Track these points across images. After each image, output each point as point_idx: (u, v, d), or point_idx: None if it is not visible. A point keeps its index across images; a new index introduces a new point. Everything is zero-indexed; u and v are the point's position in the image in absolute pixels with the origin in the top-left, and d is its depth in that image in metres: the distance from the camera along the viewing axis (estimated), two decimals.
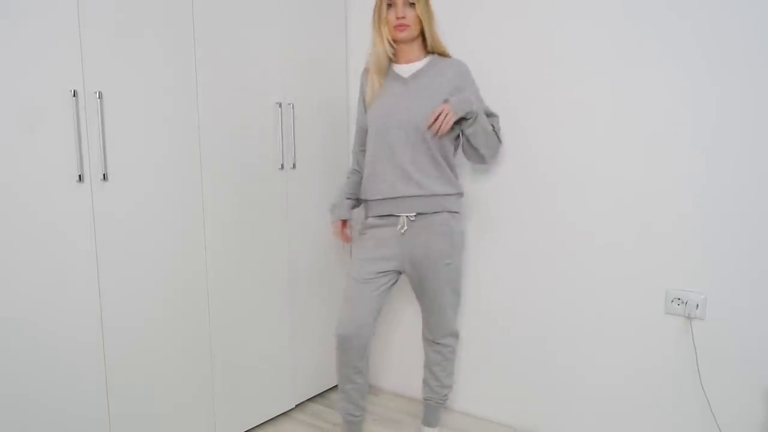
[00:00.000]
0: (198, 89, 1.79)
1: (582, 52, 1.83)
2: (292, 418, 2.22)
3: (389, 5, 1.77)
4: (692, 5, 1.63)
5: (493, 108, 1.97)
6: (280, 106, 2.05)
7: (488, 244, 2.11)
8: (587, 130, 1.85)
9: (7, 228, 1.41)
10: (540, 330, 2.03)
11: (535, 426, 2.08)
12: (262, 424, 2.15)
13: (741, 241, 1.63)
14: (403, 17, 1.75)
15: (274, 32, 2.01)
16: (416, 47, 1.84)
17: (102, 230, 1.59)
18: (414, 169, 1.78)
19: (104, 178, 1.58)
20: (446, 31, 2.05)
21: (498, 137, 1.85)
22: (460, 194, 1.86)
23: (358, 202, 2.01)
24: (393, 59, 1.84)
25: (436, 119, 1.71)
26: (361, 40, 2.30)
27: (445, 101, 1.73)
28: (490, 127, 1.81)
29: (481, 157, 1.85)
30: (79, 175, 1.52)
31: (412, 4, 1.76)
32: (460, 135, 1.84)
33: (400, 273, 1.87)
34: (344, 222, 2.01)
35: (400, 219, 1.81)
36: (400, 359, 2.41)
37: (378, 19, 1.80)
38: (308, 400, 2.35)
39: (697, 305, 1.70)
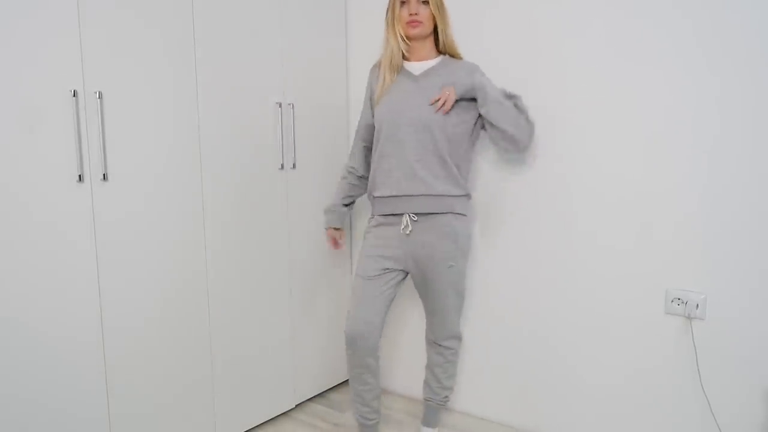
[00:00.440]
0: (198, 89, 1.79)
1: (583, 52, 1.83)
2: (292, 418, 2.22)
3: (402, 2, 1.76)
4: (694, 4, 1.63)
5: None
6: (280, 106, 2.05)
7: (489, 244, 2.11)
8: (587, 131, 1.85)
9: (7, 228, 1.41)
10: (541, 330, 2.03)
11: (536, 426, 2.08)
12: (262, 424, 2.15)
13: (741, 241, 1.63)
14: (416, 14, 1.75)
15: (274, 32, 2.01)
16: (428, 46, 1.83)
17: (102, 230, 1.59)
18: (420, 167, 1.76)
19: (104, 178, 1.58)
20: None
21: (524, 114, 1.79)
22: (467, 196, 1.85)
23: (352, 204, 2.01)
24: (406, 56, 1.83)
25: (438, 99, 1.72)
26: (361, 40, 2.30)
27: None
28: (508, 102, 1.77)
29: (511, 138, 1.77)
30: (79, 175, 1.52)
31: (426, 2, 1.75)
32: (477, 123, 1.82)
33: (406, 272, 1.86)
34: (336, 229, 2.02)
35: (404, 218, 1.80)
36: (406, 360, 2.41)
37: (392, 16, 1.80)
38: (308, 400, 2.35)
39: (697, 305, 1.70)
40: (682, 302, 1.73)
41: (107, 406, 1.64)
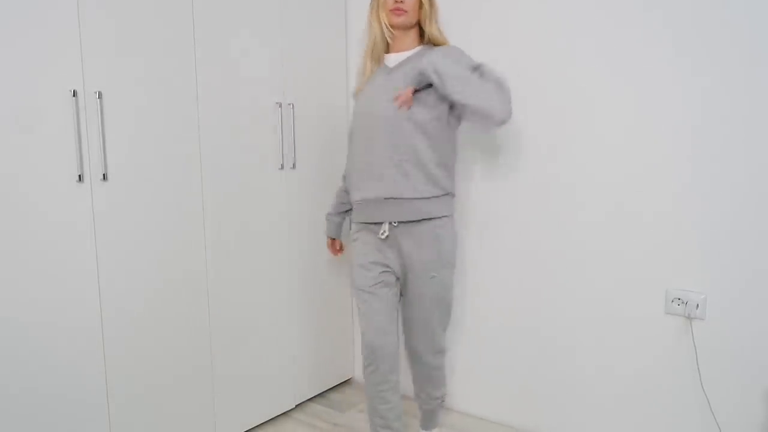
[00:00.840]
0: (198, 89, 1.79)
1: (582, 54, 1.83)
2: (292, 418, 2.22)
3: None
4: (690, 7, 1.63)
5: None
6: (280, 106, 2.05)
7: (487, 244, 2.11)
8: (587, 131, 1.85)
9: (7, 228, 1.41)
10: (541, 330, 2.03)
11: (536, 426, 2.08)
12: (262, 424, 2.15)
13: (741, 241, 1.63)
14: (401, 2, 1.66)
15: (274, 32, 2.01)
16: (411, 36, 1.72)
17: (102, 230, 1.59)
18: (392, 168, 1.65)
19: (104, 178, 1.58)
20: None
21: (491, 83, 1.57)
22: (449, 195, 1.72)
23: (350, 211, 1.95)
24: (390, 44, 1.74)
25: (397, 98, 1.62)
26: (362, 40, 2.30)
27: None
28: (471, 73, 1.57)
29: (482, 113, 1.55)
30: (79, 175, 1.52)
31: None
32: (452, 110, 1.67)
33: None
34: (333, 239, 2.02)
35: (383, 225, 1.70)
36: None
37: (376, 2, 1.72)
38: (308, 400, 2.35)
39: (697, 305, 1.70)
40: (682, 302, 1.73)
41: (107, 406, 1.64)
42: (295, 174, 2.14)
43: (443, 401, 1.95)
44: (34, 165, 1.44)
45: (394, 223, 1.69)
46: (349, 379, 2.56)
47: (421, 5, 1.70)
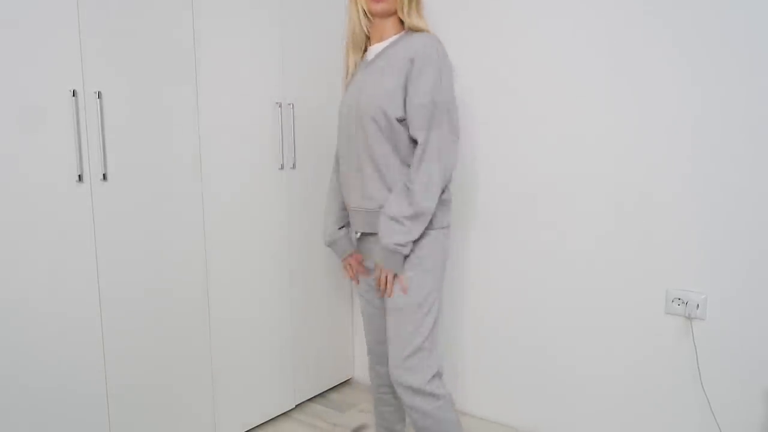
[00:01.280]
0: (198, 89, 1.79)
1: (577, 52, 1.83)
2: (292, 418, 2.22)
3: None
4: (689, 6, 1.63)
5: (483, 111, 1.97)
6: (280, 106, 2.05)
7: (485, 244, 2.10)
8: (587, 131, 1.85)
9: (7, 228, 1.40)
10: (540, 330, 2.02)
11: (536, 426, 2.08)
12: (262, 424, 2.15)
13: (741, 241, 1.63)
14: None
15: (273, 32, 2.01)
16: (390, 24, 1.56)
17: (102, 230, 1.59)
18: (370, 173, 1.52)
19: (104, 178, 1.57)
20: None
21: (427, 191, 1.44)
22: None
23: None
24: (368, 34, 1.59)
25: (383, 288, 1.49)
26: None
27: (376, 262, 1.48)
28: (415, 226, 1.44)
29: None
30: (79, 175, 1.52)
31: None
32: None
33: None
34: (351, 255, 1.71)
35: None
36: None
37: None
38: (308, 400, 2.35)
39: (698, 305, 1.70)
40: (683, 302, 1.73)
41: (107, 406, 1.64)
42: (295, 174, 2.14)
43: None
44: (34, 165, 1.44)
45: (357, 235, 1.69)
46: (349, 379, 2.56)
47: None
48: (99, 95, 1.55)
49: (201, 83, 1.80)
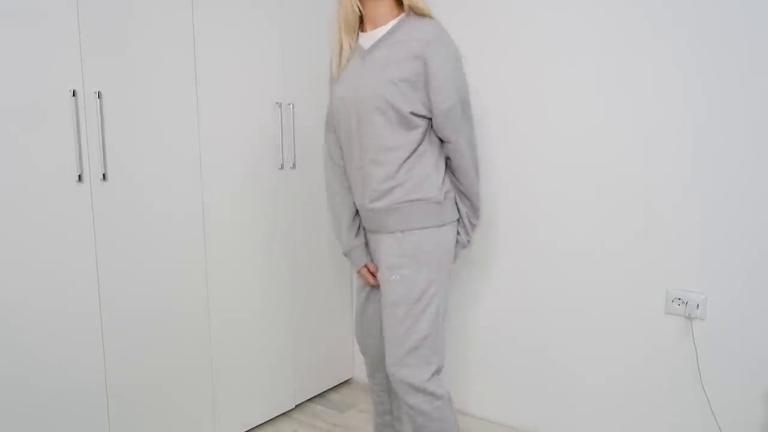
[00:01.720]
0: (198, 89, 1.79)
1: (577, 50, 1.83)
2: (292, 418, 2.21)
3: None
4: (687, 3, 1.63)
5: (481, 110, 1.97)
6: (280, 106, 2.05)
7: (484, 244, 2.10)
8: (587, 131, 1.85)
9: (7, 228, 1.40)
10: (540, 330, 2.02)
11: (536, 426, 2.08)
12: (262, 424, 2.15)
13: (741, 241, 1.63)
14: None
15: (273, 32, 2.01)
16: (385, 6, 1.44)
17: (102, 230, 1.59)
18: (370, 168, 1.46)
19: (104, 178, 1.58)
20: None
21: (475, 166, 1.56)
22: (435, 202, 1.48)
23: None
24: (362, 17, 1.48)
25: None
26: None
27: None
28: (476, 208, 1.59)
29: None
30: (79, 175, 1.52)
31: None
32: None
33: None
34: (365, 265, 1.63)
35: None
36: None
37: None
38: (308, 400, 2.35)
39: (698, 305, 1.70)
40: (683, 302, 1.73)
41: (107, 405, 1.64)
42: (295, 174, 2.14)
43: None
44: (34, 165, 1.44)
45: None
46: (348, 379, 2.56)
47: None
48: (99, 95, 1.55)
49: (201, 83, 1.80)
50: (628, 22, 1.74)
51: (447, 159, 1.53)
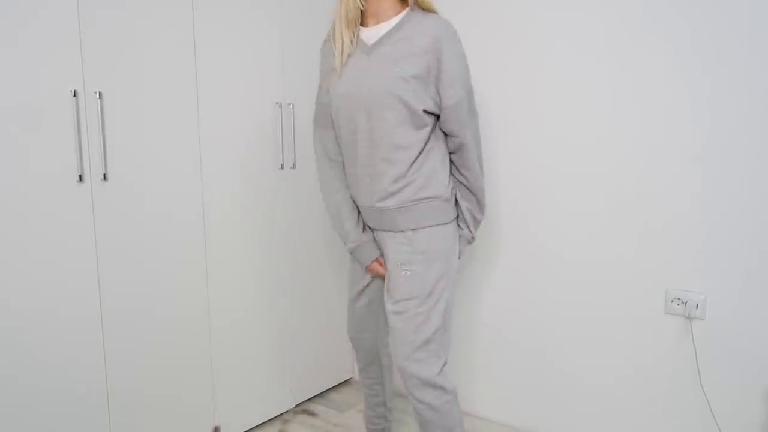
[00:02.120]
0: (198, 89, 1.79)
1: (578, 51, 1.83)
2: (292, 418, 2.22)
3: None
4: (689, 4, 1.63)
5: (482, 111, 1.97)
6: (280, 106, 2.05)
7: (484, 243, 2.11)
8: (585, 131, 1.85)
9: (7, 228, 1.41)
10: (540, 330, 2.03)
11: (536, 426, 2.08)
12: (262, 424, 2.15)
13: (741, 240, 1.63)
14: None
15: (273, 32, 2.01)
16: (387, 1, 1.43)
17: (102, 230, 1.59)
18: (378, 166, 1.44)
19: (104, 178, 1.58)
20: None
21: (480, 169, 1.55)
22: (443, 199, 1.48)
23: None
24: (362, 9, 1.45)
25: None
26: None
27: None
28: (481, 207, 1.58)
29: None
30: (79, 175, 1.52)
31: None
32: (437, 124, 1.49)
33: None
34: (377, 259, 1.59)
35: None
36: None
37: None
38: (308, 400, 2.35)
39: (697, 305, 1.70)
40: (682, 302, 1.73)
41: (107, 405, 1.64)
42: (295, 174, 2.14)
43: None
44: (34, 165, 1.44)
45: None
46: (348, 379, 2.56)
47: None
48: (99, 95, 1.55)
49: (201, 83, 1.80)
50: (632, 21, 1.74)
51: (452, 154, 1.53)
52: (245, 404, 2.05)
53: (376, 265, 1.58)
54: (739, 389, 1.67)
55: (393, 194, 1.45)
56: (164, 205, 1.73)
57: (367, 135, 1.44)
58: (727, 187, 1.63)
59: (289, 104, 2.09)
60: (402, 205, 1.46)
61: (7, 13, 1.37)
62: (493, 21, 2.00)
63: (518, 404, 2.11)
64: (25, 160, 1.42)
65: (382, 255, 1.58)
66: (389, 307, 1.49)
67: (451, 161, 1.54)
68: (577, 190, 1.89)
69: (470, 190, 1.55)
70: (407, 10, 1.44)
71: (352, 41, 1.46)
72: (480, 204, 1.57)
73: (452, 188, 1.53)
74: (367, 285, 1.66)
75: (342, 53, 1.46)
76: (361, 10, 1.46)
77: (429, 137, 1.46)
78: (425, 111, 1.42)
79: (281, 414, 2.22)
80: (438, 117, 1.47)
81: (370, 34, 1.46)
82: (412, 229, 1.47)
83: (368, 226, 1.58)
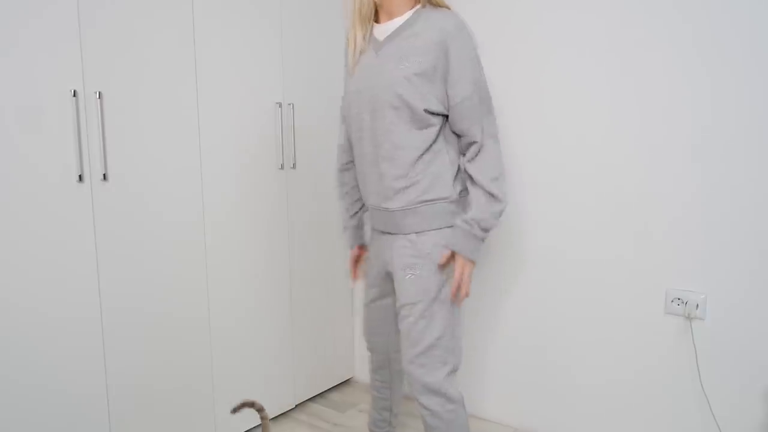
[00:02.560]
0: (198, 89, 1.79)
1: (580, 51, 1.83)
2: (292, 418, 2.22)
3: None
4: (690, 6, 1.63)
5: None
6: (280, 106, 2.05)
7: (486, 243, 2.11)
8: (586, 131, 1.85)
9: (7, 228, 1.41)
10: (540, 330, 2.03)
11: (536, 426, 2.08)
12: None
13: (741, 240, 1.63)
14: None
15: (273, 32, 2.01)
16: None
17: (102, 230, 1.59)
18: (382, 165, 1.43)
19: (104, 178, 1.58)
20: None
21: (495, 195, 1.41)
22: (450, 201, 1.45)
23: (363, 207, 1.72)
24: (377, 6, 1.44)
25: (458, 289, 1.42)
26: None
27: (453, 255, 1.42)
28: (495, 212, 1.41)
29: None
30: (79, 175, 1.52)
31: None
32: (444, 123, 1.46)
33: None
34: (360, 247, 1.71)
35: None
36: None
37: None
38: (308, 400, 2.35)
39: (697, 305, 1.70)
40: (682, 302, 1.73)
41: (107, 405, 1.64)
42: (295, 174, 2.14)
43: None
44: (34, 165, 1.44)
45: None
46: (349, 379, 2.56)
47: None
48: (99, 95, 1.55)
49: (201, 83, 1.80)
50: (634, 22, 1.74)
51: (462, 156, 1.47)
52: None
53: (352, 253, 1.72)
54: (738, 389, 1.67)
55: (397, 193, 1.44)
56: (164, 205, 1.73)
57: (370, 134, 1.45)
58: (728, 187, 1.63)
59: (289, 104, 2.09)
60: (407, 206, 1.45)
61: (7, 13, 1.37)
62: (497, 20, 2.00)
63: (518, 404, 2.11)
64: (25, 160, 1.42)
65: (363, 248, 1.72)
66: (398, 310, 1.50)
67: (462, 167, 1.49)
68: (578, 190, 1.89)
69: (489, 193, 1.41)
70: (419, 6, 1.43)
71: (364, 37, 1.45)
72: (493, 212, 1.42)
73: (460, 190, 1.48)
74: (382, 288, 1.64)
75: (354, 50, 1.46)
76: (375, 8, 1.45)
77: (435, 138, 1.43)
78: (426, 111, 1.39)
79: (281, 414, 2.22)
80: (446, 118, 1.45)
81: (382, 30, 1.45)
82: (416, 232, 1.45)
83: (378, 230, 1.55)
